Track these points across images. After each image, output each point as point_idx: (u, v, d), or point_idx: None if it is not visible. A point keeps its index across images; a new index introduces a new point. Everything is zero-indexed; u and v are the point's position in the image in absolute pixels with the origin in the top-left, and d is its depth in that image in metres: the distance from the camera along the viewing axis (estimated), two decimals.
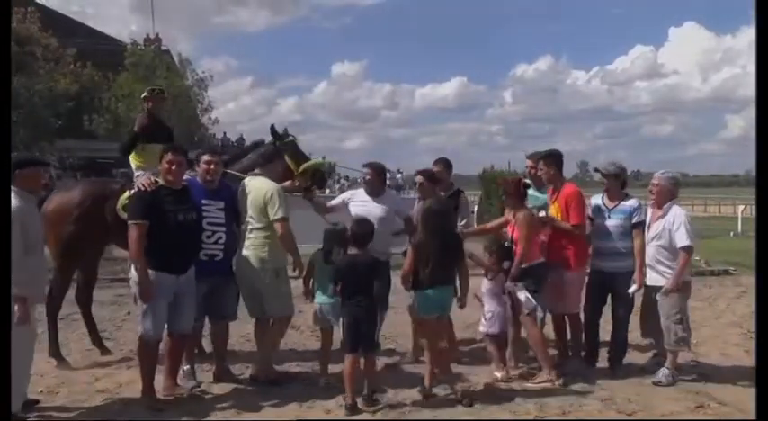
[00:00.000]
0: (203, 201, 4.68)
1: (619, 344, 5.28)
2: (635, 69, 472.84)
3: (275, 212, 4.61)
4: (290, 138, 5.46)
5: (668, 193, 5.02)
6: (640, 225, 5.07)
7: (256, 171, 4.94)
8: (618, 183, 5.20)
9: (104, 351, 5.75)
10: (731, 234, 18.79)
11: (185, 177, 4.69)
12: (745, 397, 4.47)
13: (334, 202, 5.61)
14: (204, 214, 4.63)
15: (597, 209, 5.23)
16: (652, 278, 4.98)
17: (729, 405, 4.48)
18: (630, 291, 5.02)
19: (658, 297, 4.91)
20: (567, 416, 4.29)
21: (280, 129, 5.52)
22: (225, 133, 33.93)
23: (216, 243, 4.69)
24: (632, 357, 5.71)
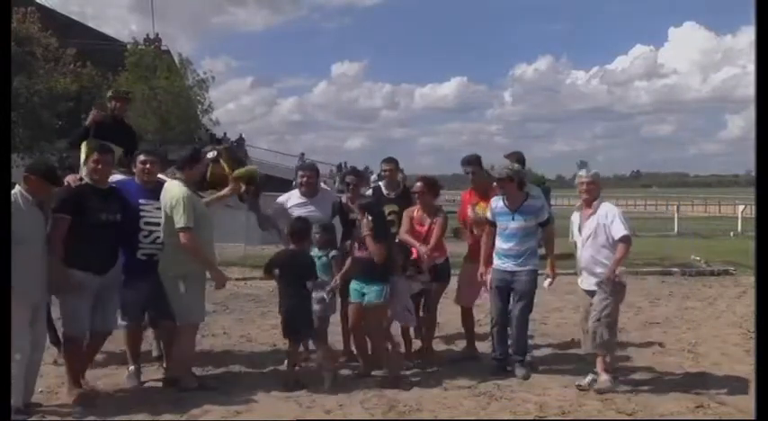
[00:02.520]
0: (141, 201, 4.72)
1: (520, 345, 5.14)
2: (635, 69, 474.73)
3: (178, 221, 4.50)
4: (222, 146, 5.42)
5: (598, 190, 4.93)
6: (548, 222, 5.17)
7: (177, 174, 4.82)
8: (514, 185, 5.13)
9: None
10: (731, 234, 18.80)
11: (120, 178, 4.90)
12: (745, 397, 4.47)
13: (271, 210, 5.59)
14: (141, 214, 4.69)
15: (499, 211, 5.16)
16: (590, 282, 4.83)
17: (729, 405, 4.48)
18: (545, 285, 5.11)
19: (596, 288, 4.76)
20: (567, 417, 4.29)
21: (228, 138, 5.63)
22: (225, 133, 34.02)
23: (153, 242, 4.69)
24: (631, 357, 5.73)
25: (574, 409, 4.39)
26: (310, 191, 5.55)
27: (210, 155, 5.28)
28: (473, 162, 5.59)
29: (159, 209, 4.68)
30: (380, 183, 6.00)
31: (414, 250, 5.23)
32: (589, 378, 4.79)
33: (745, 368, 5.18)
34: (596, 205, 4.85)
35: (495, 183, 5.22)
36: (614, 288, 4.71)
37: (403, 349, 5.39)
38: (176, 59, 26.86)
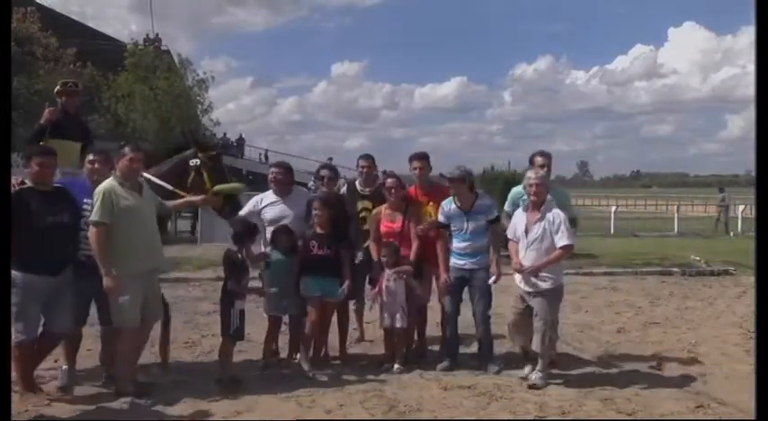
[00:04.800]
0: (85, 201, 4.57)
1: (485, 342, 5.33)
2: (634, 69, 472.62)
3: (92, 214, 4.39)
4: (215, 152, 5.26)
5: (546, 193, 4.97)
6: (497, 220, 5.30)
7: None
8: (467, 186, 5.29)
9: None
10: (731, 234, 18.79)
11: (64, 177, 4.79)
12: (745, 397, 4.46)
13: (245, 211, 5.43)
14: (84, 213, 4.53)
15: (453, 214, 5.27)
16: (531, 283, 4.89)
17: (729, 405, 4.49)
18: (491, 281, 5.22)
19: (533, 289, 4.87)
20: (567, 416, 4.30)
21: (233, 138, 5.56)
22: (225, 133, 34.02)
23: None
24: (632, 357, 5.73)
25: (574, 409, 4.40)
26: (282, 189, 5.47)
27: (192, 163, 5.17)
28: (421, 157, 5.65)
29: None
30: (357, 179, 6.01)
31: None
32: (528, 369, 5.01)
33: (745, 368, 5.18)
34: (544, 210, 4.91)
35: (447, 184, 5.34)
36: (554, 291, 4.88)
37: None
38: (176, 60, 26.84)
